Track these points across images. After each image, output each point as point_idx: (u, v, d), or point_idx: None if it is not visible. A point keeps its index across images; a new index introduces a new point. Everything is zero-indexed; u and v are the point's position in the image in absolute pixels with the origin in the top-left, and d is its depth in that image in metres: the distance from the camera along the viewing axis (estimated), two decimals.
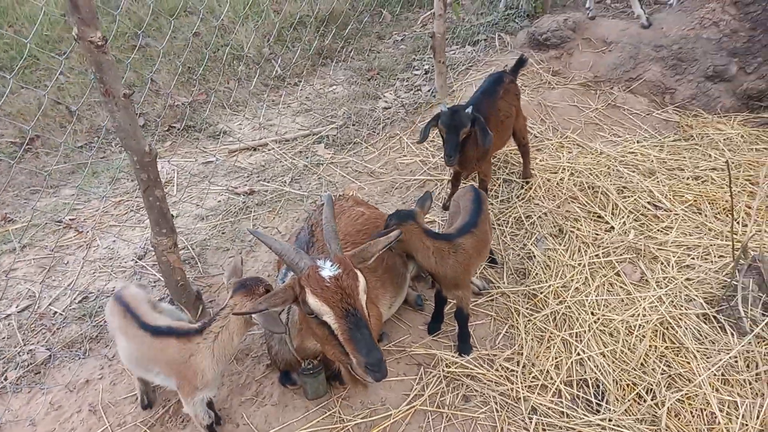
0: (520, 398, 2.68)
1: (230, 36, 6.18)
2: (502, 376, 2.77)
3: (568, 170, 4.15)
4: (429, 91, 5.37)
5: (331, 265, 2.12)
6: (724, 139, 4.47)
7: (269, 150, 4.73)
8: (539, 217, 3.76)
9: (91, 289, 3.36)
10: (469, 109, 3.21)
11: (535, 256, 3.47)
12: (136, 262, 3.54)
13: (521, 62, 3.95)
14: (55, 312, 3.21)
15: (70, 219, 3.90)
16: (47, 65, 5.95)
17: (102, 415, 2.64)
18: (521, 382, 2.73)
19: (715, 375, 2.72)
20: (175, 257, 2.90)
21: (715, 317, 3.02)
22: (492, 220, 3.67)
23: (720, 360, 2.77)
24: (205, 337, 2.28)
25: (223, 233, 3.78)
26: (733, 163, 4.17)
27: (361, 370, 2.07)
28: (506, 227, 3.71)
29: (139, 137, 2.56)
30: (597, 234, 3.61)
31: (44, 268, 3.53)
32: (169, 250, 2.86)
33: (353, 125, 4.97)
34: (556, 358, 2.86)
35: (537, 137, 4.56)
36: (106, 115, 4.62)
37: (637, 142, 4.52)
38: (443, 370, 2.80)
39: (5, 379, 2.82)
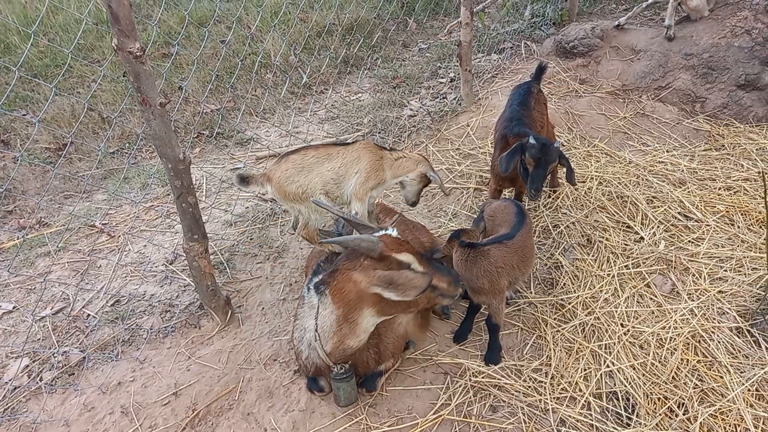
0: (548, 410, 2.65)
1: (258, 44, 6.27)
2: (530, 386, 2.75)
3: (596, 179, 4.12)
4: (455, 99, 5.38)
5: (392, 230, 2.51)
6: (757, 149, 4.40)
7: None
8: (567, 226, 3.74)
9: (123, 293, 3.42)
10: (557, 144, 3.14)
11: (563, 266, 3.44)
12: (167, 266, 3.60)
13: (541, 69, 3.90)
14: (89, 315, 3.28)
15: (102, 223, 3.98)
16: (80, 72, 6.09)
17: (133, 417, 2.69)
18: (549, 394, 2.71)
19: (749, 390, 2.67)
20: (206, 263, 2.95)
21: (748, 331, 2.96)
22: None
23: (754, 375, 2.72)
24: (391, 153, 3.11)
25: (251, 239, 3.82)
26: (766, 173, 4.10)
27: (451, 288, 2.53)
28: (533, 236, 3.69)
29: (174, 145, 2.61)
30: (626, 244, 3.57)
31: (78, 271, 3.61)
32: (200, 256, 2.91)
33: (379, 133, 5.00)
34: (585, 370, 2.82)
35: (564, 146, 4.53)
36: (142, 122, 4.72)
37: (667, 151, 4.47)
38: (470, 380, 2.79)
39: (40, 380, 2.89)
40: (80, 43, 6.54)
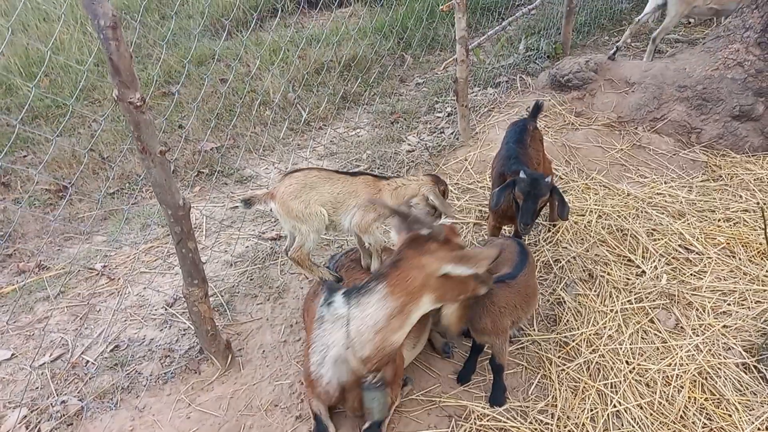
0: None
1: (257, 82, 6.34)
2: (536, 429, 2.71)
3: (595, 212, 4.12)
4: (452, 133, 5.43)
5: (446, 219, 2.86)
6: (755, 180, 4.42)
7: None
8: (568, 261, 3.72)
9: (122, 338, 3.39)
10: (548, 178, 3.13)
11: (565, 302, 3.42)
12: (166, 309, 3.57)
13: (538, 108, 3.93)
14: (88, 361, 3.24)
15: (102, 266, 3.97)
16: (81, 113, 6.15)
17: None
18: None
19: (759, 429, 2.63)
20: (206, 307, 2.93)
21: (755, 367, 2.93)
22: None
23: (763, 413, 2.68)
24: (389, 183, 3.07)
25: (251, 279, 3.80)
26: (764, 204, 4.11)
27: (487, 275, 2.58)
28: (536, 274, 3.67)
29: (174, 191, 2.62)
30: (628, 278, 3.55)
31: (77, 316, 3.58)
32: (200, 301, 2.89)
33: (377, 168, 5.02)
34: (591, 410, 2.78)
35: (562, 179, 4.55)
36: (143, 169, 4.76)
37: (665, 183, 4.49)
38: (475, 423, 2.74)
39: (39, 431, 2.84)
40: (81, 83, 6.62)
